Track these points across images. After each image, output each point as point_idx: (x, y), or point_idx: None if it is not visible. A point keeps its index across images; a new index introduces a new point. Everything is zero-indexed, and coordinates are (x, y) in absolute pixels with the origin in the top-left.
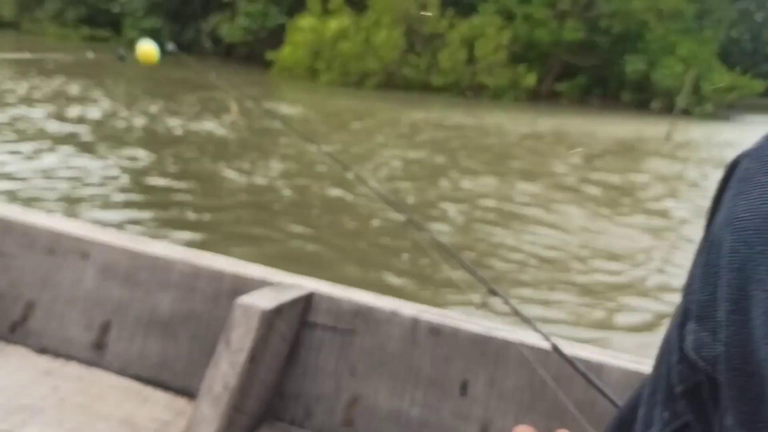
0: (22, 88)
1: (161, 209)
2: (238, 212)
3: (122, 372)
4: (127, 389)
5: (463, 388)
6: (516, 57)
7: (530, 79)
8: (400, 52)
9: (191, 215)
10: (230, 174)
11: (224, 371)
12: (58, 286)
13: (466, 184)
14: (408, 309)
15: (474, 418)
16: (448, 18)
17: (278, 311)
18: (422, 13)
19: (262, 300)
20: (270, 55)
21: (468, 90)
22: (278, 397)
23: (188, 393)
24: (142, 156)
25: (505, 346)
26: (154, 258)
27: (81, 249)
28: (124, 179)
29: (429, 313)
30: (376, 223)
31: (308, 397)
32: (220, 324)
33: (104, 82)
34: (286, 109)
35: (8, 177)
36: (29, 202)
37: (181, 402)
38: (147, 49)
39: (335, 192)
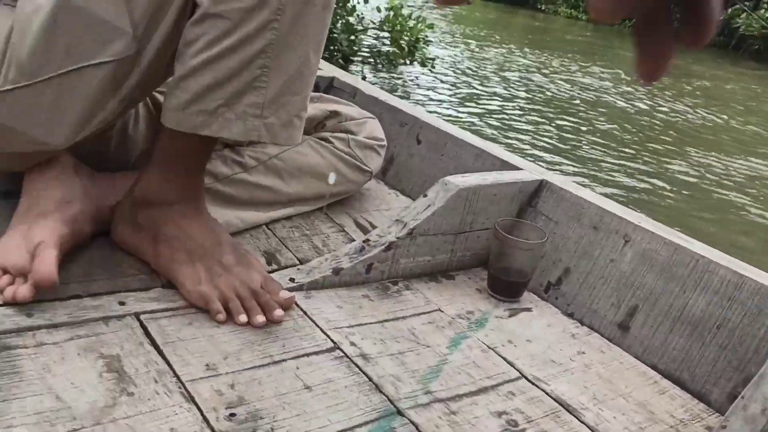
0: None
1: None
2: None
3: (640, 357)
4: (644, 375)
5: None
6: None
7: None
8: None
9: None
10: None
11: (767, 394)
12: (594, 261)
13: None
14: None
15: None
16: None
17: None
18: None
19: None
20: None
21: None
22: None
23: (705, 399)
24: (612, 131)
25: None
26: (695, 257)
27: (624, 231)
28: (588, 149)
29: None
30: None
31: None
32: (754, 341)
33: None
34: None
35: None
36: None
37: (698, 406)
38: None
39: None
